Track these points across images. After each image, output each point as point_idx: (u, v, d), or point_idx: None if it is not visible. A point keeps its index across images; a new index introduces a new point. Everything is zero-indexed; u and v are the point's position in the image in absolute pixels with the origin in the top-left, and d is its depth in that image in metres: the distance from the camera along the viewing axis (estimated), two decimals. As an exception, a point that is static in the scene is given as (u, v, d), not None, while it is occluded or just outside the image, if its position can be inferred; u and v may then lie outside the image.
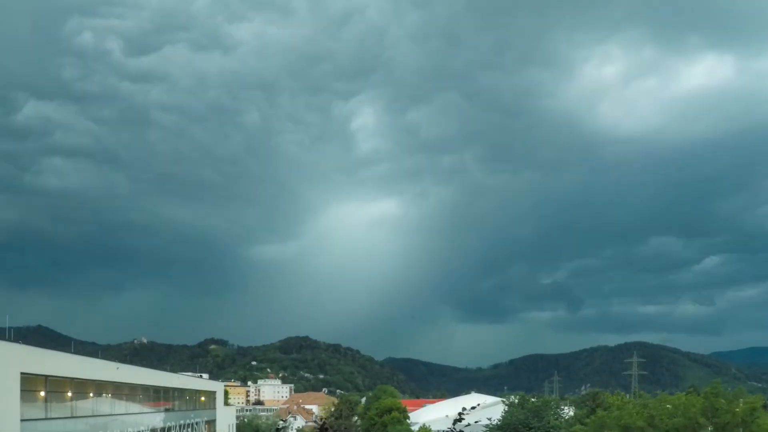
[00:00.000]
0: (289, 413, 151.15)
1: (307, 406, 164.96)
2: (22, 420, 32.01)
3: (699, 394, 46.47)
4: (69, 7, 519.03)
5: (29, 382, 33.87)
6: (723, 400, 39.17)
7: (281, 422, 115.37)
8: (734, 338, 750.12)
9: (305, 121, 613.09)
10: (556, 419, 65.09)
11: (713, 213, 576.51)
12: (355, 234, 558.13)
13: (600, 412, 54.79)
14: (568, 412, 70.27)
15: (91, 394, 43.86)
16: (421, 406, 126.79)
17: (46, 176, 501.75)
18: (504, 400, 76.30)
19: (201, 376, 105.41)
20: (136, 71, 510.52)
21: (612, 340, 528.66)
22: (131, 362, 66.38)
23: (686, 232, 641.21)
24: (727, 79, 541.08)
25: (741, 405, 39.92)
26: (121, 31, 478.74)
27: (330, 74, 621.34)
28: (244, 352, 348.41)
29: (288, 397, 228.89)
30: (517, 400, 70.24)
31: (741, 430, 37.95)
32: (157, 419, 55.77)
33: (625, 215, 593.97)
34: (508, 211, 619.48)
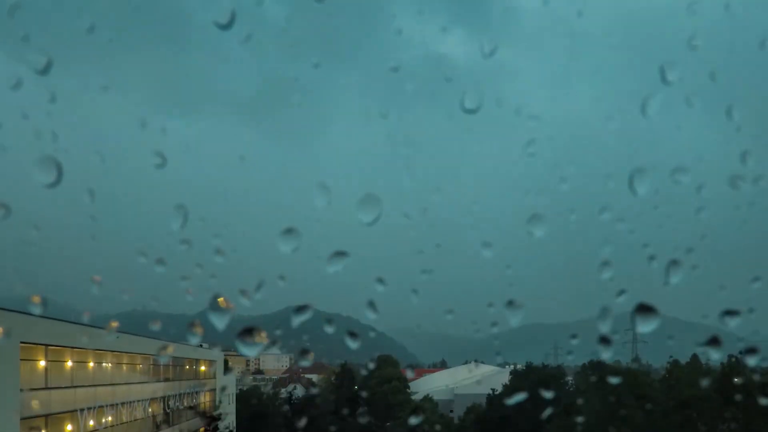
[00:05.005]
0: (290, 382, 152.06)
1: (307, 376, 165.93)
2: (21, 389, 31.95)
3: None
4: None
5: (29, 352, 33.74)
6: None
7: (284, 391, 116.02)
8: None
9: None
10: (566, 387, 65.32)
11: None
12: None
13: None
14: (572, 382, 70.46)
15: (91, 364, 43.81)
16: (421, 375, 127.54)
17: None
18: (510, 369, 76.63)
19: (201, 346, 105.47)
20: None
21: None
22: (131, 331, 66.16)
23: None
24: None
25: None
26: None
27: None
28: (244, 321, 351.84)
29: (288, 366, 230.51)
30: (519, 369, 70.40)
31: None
32: (157, 388, 55.95)
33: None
34: None
